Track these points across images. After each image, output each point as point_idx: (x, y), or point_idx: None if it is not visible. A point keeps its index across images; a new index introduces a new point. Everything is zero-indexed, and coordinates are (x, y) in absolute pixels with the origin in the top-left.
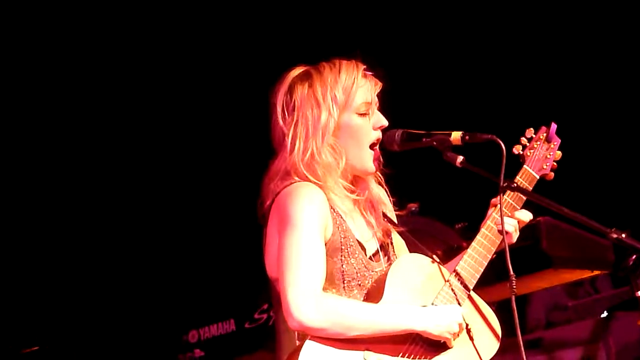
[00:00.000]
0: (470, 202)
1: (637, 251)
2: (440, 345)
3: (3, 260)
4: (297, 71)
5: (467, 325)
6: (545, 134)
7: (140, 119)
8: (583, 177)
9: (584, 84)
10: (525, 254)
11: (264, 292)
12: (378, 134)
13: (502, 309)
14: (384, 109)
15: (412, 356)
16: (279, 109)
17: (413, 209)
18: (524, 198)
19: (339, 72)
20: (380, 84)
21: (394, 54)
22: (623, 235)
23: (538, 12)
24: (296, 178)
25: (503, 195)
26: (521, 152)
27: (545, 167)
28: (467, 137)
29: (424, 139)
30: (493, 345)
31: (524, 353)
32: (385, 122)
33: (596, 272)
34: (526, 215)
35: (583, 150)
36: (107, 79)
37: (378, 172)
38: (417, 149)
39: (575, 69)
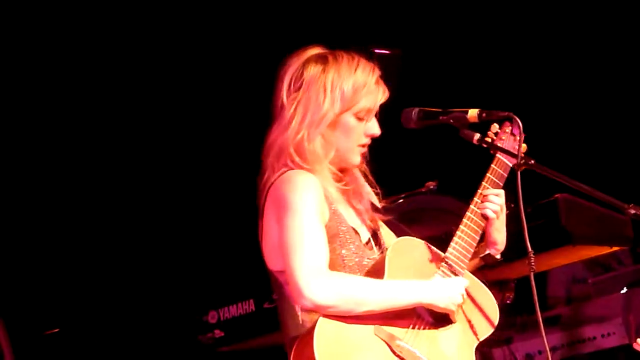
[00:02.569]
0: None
1: None
2: (444, 320)
3: (24, 244)
4: (315, 50)
5: (471, 298)
6: (509, 129)
7: (149, 103)
8: (600, 153)
9: (601, 59)
10: (543, 230)
11: None
12: (368, 140)
13: (521, 286)
14: (401, 88)
15: (421, 328)
16: (286, 80)
17: (431, 187)
18: (506, 175)
19: (356, 69)
20: (387, 94)
21: (411, 33)
22: None
23: None
24: (289, 163)
25: (518, 171)
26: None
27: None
28: (484, 114)
29: (440, 117)
30: (491, 321)
31: (543, 330)
32: (377, 132)
33: (615, 248)
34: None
35: (600, 126)
36: (107, 79)
37: (364, 165)
38: (433, 126)
39: (592, 45)
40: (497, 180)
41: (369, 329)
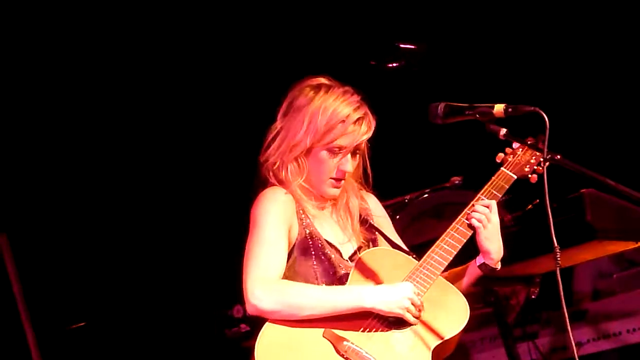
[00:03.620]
0: None
1: None
2: (399, 322)
3: (49, 239)
4: (316, 80)
5: (437, 300)
6: (530, 143)
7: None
8: (626, 148)
9: (623, 55)
10: (569, 226)
11: None
12: (340, 176)
13: (547, 282)
14: (427, 82)
15: (373, 330)
16: (283, 105)
17: (456, 182)
18: (507, 187)
19: (339, 105)
20: (370, 133)
21: (437, 28)
22: None
23: None
24: (271, 178)
25: (544, 166)
26: (504, 157)
27: (526, 170)
28: (510, 109)
29: (466, 112)
30: (455, 325)
31: (569, 325)
32: (348, 170)
33: None
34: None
35: (626, 122)
36: (107, 79)
37: (359, 184)
38: (460, 121)
39: (616, 41)
40: (495, 192)
41: (317, 332)
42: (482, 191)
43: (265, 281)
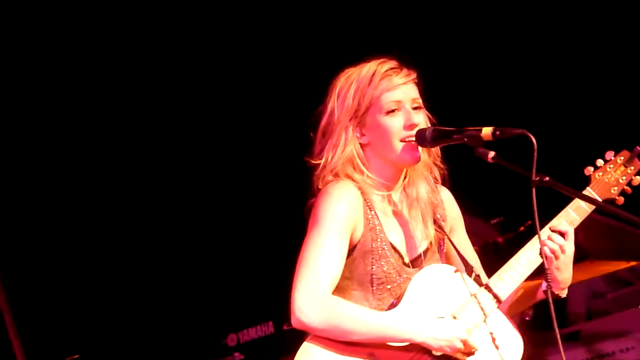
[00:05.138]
0: (504, 197)
1: None
2: (448, 358)
3: (44, 271)
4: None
5: (492, 338)
6: (623, 158)
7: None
8: None
9: (614, 72)
10: None
11: None
12: (408, 133)
13: (541, 303)
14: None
15: None
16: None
17: None
18: (589, 211)
19: (361, 70)
20: (411, 83)
21: (427, 51)
22: None
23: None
24: (336, 174)
25: (533, 188)
26: (591, 174)
27: (613, 191)
28: (497, 133)
29: (454, 136)
30: None
31: (561, 346)
32: (414, 121)
33: (632, 263)
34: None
35: (614, 141)
36: (108, 79)
37: (434, 175)
38: (449, 145)
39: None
40: (575, 216)
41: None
42: (563, 214)
43: (316, 296)
